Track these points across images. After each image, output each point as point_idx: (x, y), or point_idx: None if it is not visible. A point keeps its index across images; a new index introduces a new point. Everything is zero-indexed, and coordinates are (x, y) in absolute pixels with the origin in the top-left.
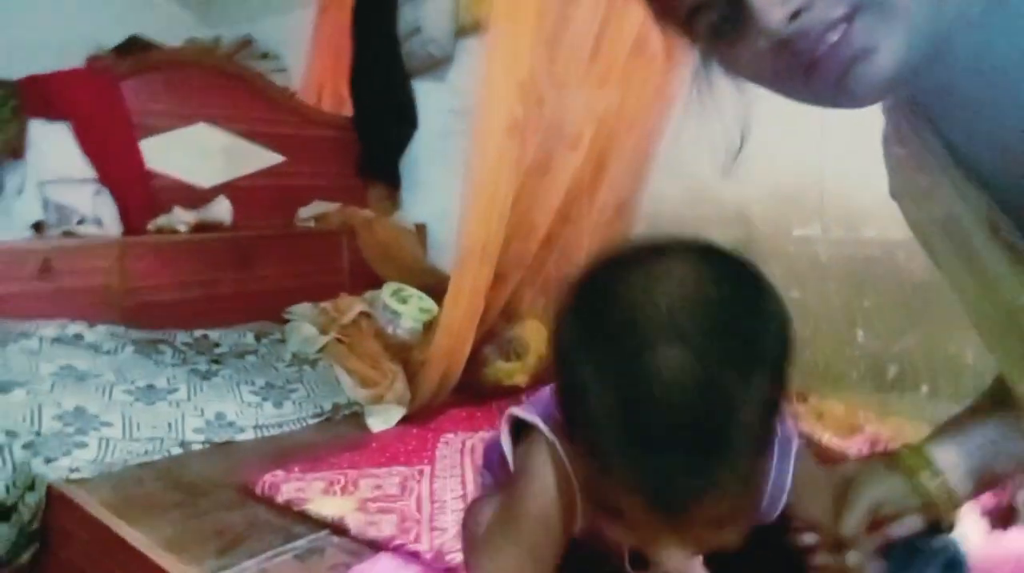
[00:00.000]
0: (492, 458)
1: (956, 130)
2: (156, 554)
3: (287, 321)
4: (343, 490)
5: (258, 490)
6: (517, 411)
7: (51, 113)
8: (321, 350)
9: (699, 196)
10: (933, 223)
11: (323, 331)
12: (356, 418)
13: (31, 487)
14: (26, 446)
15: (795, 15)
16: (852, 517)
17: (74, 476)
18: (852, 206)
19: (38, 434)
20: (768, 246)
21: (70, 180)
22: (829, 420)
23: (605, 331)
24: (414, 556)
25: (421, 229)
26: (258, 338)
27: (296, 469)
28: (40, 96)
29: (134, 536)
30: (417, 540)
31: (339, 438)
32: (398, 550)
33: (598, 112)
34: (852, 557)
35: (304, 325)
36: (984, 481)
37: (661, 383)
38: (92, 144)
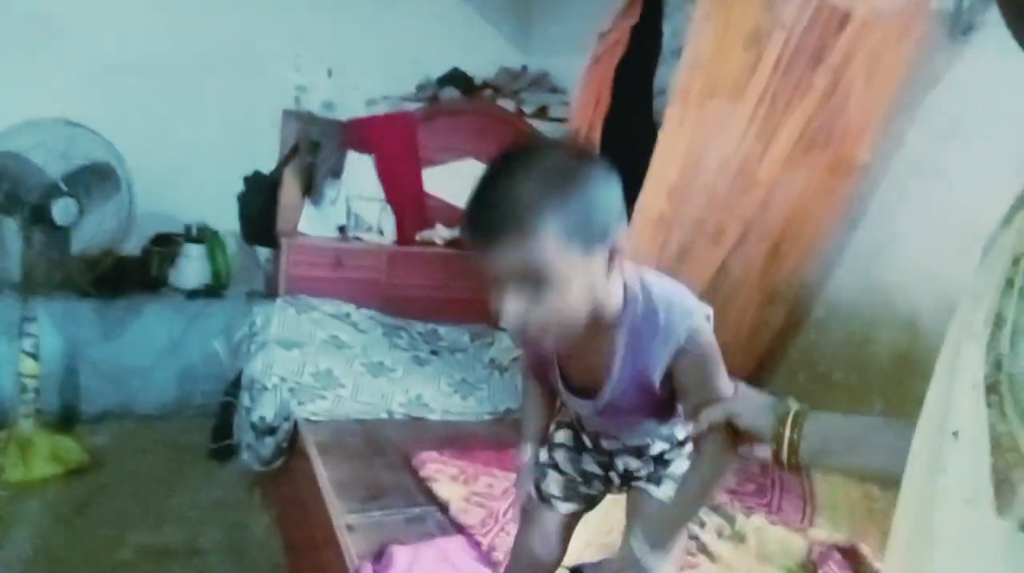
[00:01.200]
0: None
1: None
2: (323, 486)
3: (499, 329)
4: (465, 480)
5: (413, 461)
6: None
7: (362, 147)
8: (513, 360)
9: (876, 296)
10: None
11: (519, 346)
12: (518, 424)
13: (287, 418)
14: (290, 389)
15: None
16: (704, 403)
17: (312, 417)
18: None
19: (298, 383)
20: (929, 361)
21: (367, 197)
22: None
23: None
24: (476, 544)
25: None
26: (472, 339)
27: (447, 453)
28: (357, 134)
29: (319, 469)
30: (485, 535)
31: (496, 437)
32: (468, 536)
33: (745, 212)
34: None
35: (505, 337)
36: (830, 466)
37: (483, 184)
38: (386, 172)
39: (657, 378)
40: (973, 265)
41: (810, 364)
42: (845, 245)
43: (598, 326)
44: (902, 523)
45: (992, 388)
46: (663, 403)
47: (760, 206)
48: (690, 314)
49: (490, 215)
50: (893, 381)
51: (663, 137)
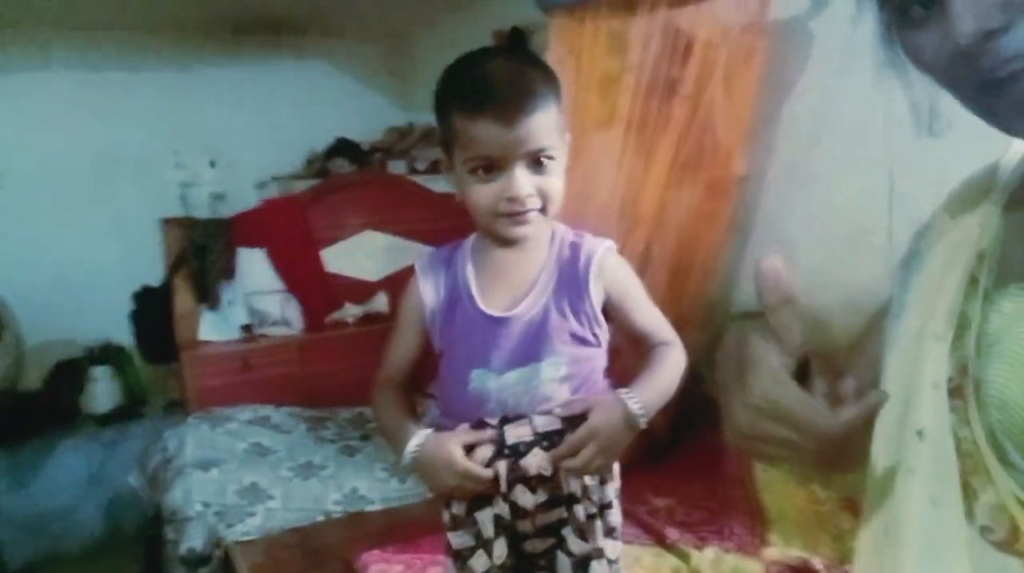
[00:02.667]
0: None
1: None
2: None
3: (428, 397)
4: None
5: (355, 566)
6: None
7: (252, 241)
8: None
9: None
10: None
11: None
12: None
13: (218, 545)
14: (216, 513)
15: (990, 35)
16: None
17: (244, 538)
18: None
19: (223, 505)
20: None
21: (266, 291)
22: None
23: (457, 68)
24: None
25: None
26: None
27: (390, 549)
28: (244, 228)
29: None
30: None
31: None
32: None
33: (636, 247)
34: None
35: (434, 406)
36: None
37: (492, 67)
38: (281, 262)
39: (578, 303)
40: (866, 255)
41: None
42: (741, 257)
43: (533, 242)
44: (870, 522)
45: (956, 391)
46: (574, 340)
47: (649, 236)
48: (601, 241)
49: (520, 92)
50: None
51: None
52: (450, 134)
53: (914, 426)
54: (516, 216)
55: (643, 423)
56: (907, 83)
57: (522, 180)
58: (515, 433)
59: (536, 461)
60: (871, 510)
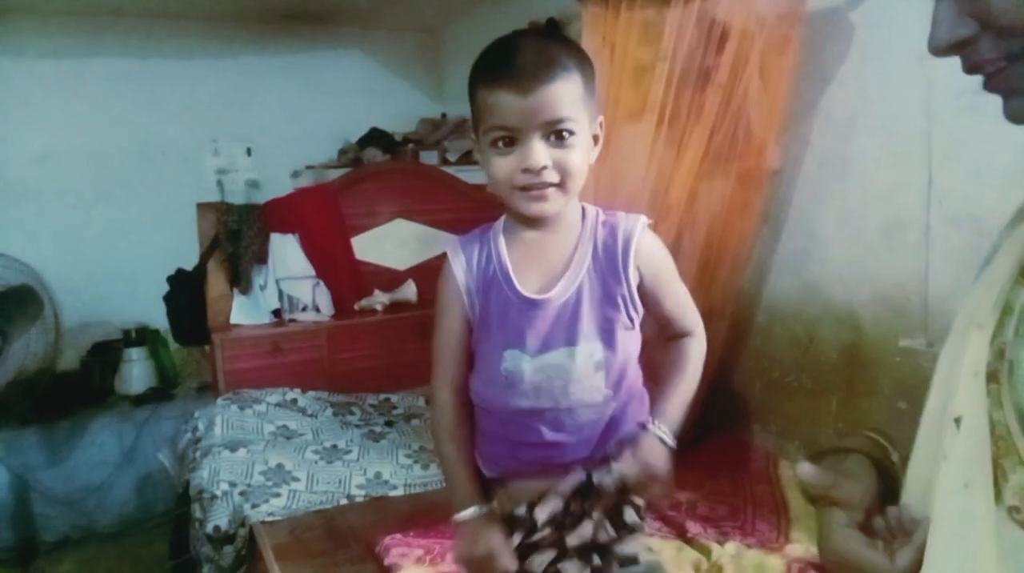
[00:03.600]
0: None
1: None
2: None
3: None
4: (431, 560)
5: (377, 549)
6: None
7: (285, 227)
8: None
9: (812, 296)
10: None
11: None
12: None
13: (243, 524)
14: (241, 493)
15: (958, 45)
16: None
17: (269, 519)
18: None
19: (249, 485)
20: (876, 353)
21: (298, 277)
22: None
23: (489, 46)
24: None
25: None
26: (427, 402)
27: (411, 533)
28: (277, 214)
29: None
30: None
31: None
32: None
33: (667, 236)
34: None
35: None
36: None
37: (517, 41)
38: (313, 249)
39: (615, 286)
40: (901, 249)
41: (763, 371)
42: (773, 250)
43: (563, 223)
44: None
45: (992, 376)
46: (610, 323)
47: (680, 227)
48: (637, 218)
49: (539, 61)
50: (844, 376)
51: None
52: (476, 110)
53: (953, 414)
54: (532, 190)
55: (674, 444)
56: None
57: (537, 150)
58: (544, 512)
59: (588, 530)
60: (911, 496)
